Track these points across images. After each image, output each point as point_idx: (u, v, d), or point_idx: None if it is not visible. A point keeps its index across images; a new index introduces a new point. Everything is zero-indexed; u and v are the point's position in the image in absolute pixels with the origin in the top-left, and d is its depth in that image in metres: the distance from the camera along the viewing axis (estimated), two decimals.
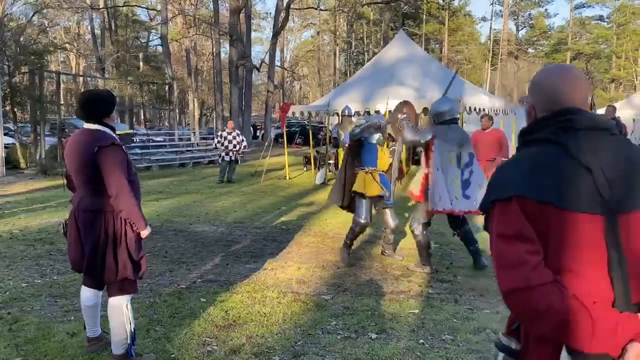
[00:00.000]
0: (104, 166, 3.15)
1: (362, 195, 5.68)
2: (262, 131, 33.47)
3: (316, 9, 40.34)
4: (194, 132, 24.33)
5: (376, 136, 5.71)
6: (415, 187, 5.61)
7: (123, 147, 3.34)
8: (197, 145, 22.36)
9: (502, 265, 1.42)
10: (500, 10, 55.03)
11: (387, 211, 5.90)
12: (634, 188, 1.40)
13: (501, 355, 1.56)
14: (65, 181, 3.69)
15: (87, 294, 3.48)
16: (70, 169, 3.37)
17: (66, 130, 18.70)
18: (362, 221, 5.72)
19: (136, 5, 32.35)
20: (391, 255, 6.06)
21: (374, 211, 5.96)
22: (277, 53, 38.24)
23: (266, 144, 15.73)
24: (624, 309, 1.38)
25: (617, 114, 10.17)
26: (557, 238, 1.40)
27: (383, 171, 5.78)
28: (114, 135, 3.35)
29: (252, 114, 34.05)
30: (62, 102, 24.60)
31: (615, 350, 1.37)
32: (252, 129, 33.82)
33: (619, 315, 1.38)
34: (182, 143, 21.91)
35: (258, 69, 31.23)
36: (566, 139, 1.44)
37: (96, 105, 3.32)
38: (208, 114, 46.59)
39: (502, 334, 1.59)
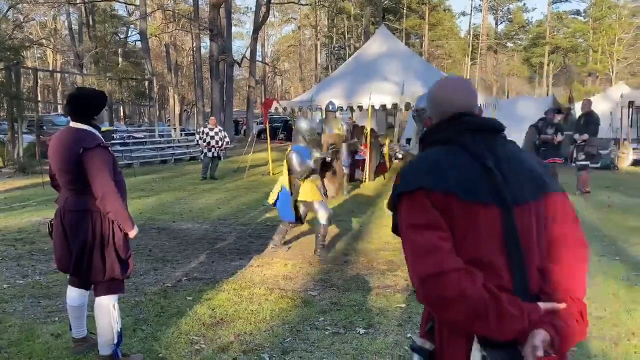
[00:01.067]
0: (90, 168, 3.11)
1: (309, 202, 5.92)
2: (244, 127, 33.32)
3: (297, 3, 40.17)
4: (175, 128, 24.13)
5: (316, 154, 5.92)
6: None
7: (109, 148, 3.31)
8: (178, 141, 22.17)
9: (415, 254, 1.47)
10: (480, 5, 55.46)
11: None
12: (524, 182, 1.52)
13: (416, 356, 1.60)
14: (47, 180, 3.63)
15: (73, 294, 3.43)
16: (54, 167, 3.31)
17: (44, 127, 18.39)
18: (330, 216, 5.99)
19: (114, 0, 31.83)
20: (322, 256, 5.90)
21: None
22: (259, 48, 38.06)
23: (249, 139, 15.66)
24: (523, 298, 1.44)
25: (594, 108, 10.30)
26: (461, 229, 1.46)
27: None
28: (100, 135, 3.31)
29: (233, 110, 33.85)
30: (39, 99, 24.19)
31: (523, 336, 1.40)
32: (234, 124, 33.65)
33: (523, 302, 1.43)
34: (162, 139, 21.70)
35: (239, 64, 31.03)
36: (463, 139, 1.56)
37: (86, 105, 3.28)
38: (188, 110, 46.20)
39: (416, 336, 1.64)
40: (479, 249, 1.46)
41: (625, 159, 15.22)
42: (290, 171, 5.89)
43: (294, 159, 5.78)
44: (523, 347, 1.40)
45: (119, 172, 3.33)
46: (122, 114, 42.00)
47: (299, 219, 6.05)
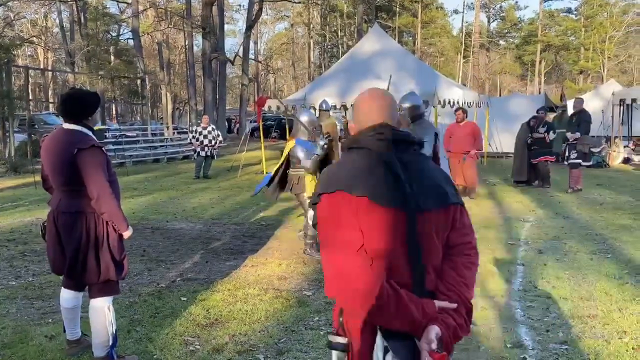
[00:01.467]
0: (84, 169, 3.10)
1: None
2: (237, 125, 33.24)
3: (290, 1, 40.08)
4: (167, 127, 24.04)
5: (320, 142, 5.80)
6: None
7: (103, 148, 3.30)
8: (171, 140, 22.09)
9: (327, 250, 1.64)
10: (472, 3, 55.55)
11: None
12: (428, 192, 1.68)
13: (334, 353, 1.75)
14: (39, 180, 3.62)
15: (67, 296, 3.42)
16: (47, 169, 3.30)
17: (36, 126, 18.28)
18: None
19: None
20: (312, 254, 5.90)
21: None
22: (251, 46, 37.93)
23: (242, 138, 15.64)
24: (420, 295, 1.62)
25: (585, 105, 10.36)
26: (371, 229, 1.60)
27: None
28: (94, 136, 3.30)
29: (226, 108, 33.77)
30: (31, 98, 24.01)
31: (419, 330, 1.57)
32: (226, 122, 33.58)
33: (421, 299, 1.60)
34: (155, 138, 21.61)
35: (232, 62, 30.93)
36: (378, 148, 1.71)
37: (79, 106, 3.27)
38: (181, 108, 46.03)
39: (330, 334, 1.76)
40: (384, 249, 1.61)
41: (617, 156, 15.32)
42: (288, 164, 5.89)
43: (300, 152, 5.75)
44: (420, 340, 1.56)
45: (113, 172, 3.32)
46: (114, 112, 41.81)
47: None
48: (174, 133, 24.22)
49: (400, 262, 1.63)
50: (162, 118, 34.51)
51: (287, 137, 15.87)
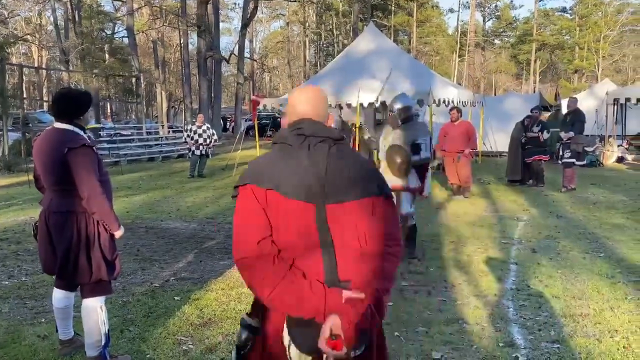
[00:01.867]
0: (75, 168, 3.09)
1: None
2: (233, 123, 33.20)
3: None
4: (163, 125, 23.98)
5: None
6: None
7: (94, 147, 3.29)
8: (166, 138, 22.05)
9: (236, 237, 1.74)
10: (467, 2, 55.63)
11: None
12: (345, 184, 1.74)
13: (244, 331, 1.83)
14: (33, 180, 3.61)
15: (59, 296, 3.41)
16: (39, 168, 3.29)
17: (30, 124, 18.20)
18: None
19: None
20: None
21: None
22: (247, 44, 37.89)
23: (237, 136, 15.62)
24: (332, 285, 1.69)
25: (579, 105, 10.39)
26: (281, 221, 1.70)
27: None
28: (85, 135, 3.29)
29: (222, 106, 33.70)
30: (25, 96, 23.89)
31: (320, 317, 1.65)
32: (222, 121, 33.53)
33: (326, 289, 1.67)
34: (150, 137, 21.55)
35: (227, 61, 30.90)
36: (297, 142, 1.77)
37: (71, 105, 3.26)
38: (176, 107, 45.90)
39: (246, 314, 1.87)
40: (295, 239, 1.70)
41: (610, 156, 15.38)
42: None
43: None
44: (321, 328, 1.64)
45: (104, 172, 3.31)
46: (109, 111, 41.66)
47: None
48: (169, 132, 24.17)
49: (311, 252, 1.70)
50: (157, 116, 34.41)
51: None
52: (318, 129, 1.82)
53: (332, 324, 1.63)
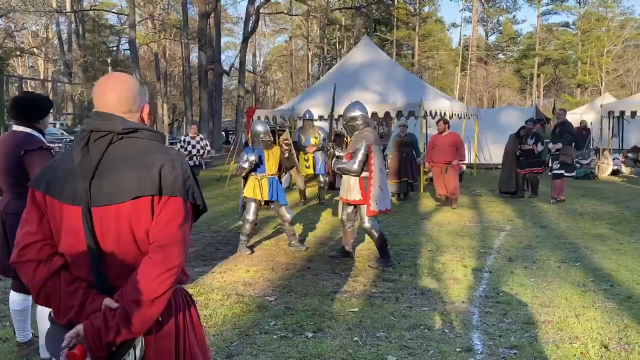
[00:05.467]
0: (32, 170, 3.14)
1: (252, 199, 6.38)
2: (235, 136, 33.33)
3: (286, 13, 40.42)
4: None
5: (251, 157, 6.31)
6: (350, 193, 5.71)
7: (52, 150, 3.34)
8: None
9: (14, 243, 1.70)
10: (470, 17, 55.91)
11: (282, 207, 6.43)
12: (118, 185, 1.61)
13: (49, 325, 1.79)
14: None
15: (16, 298, 3.44)
16: None
17: None
18: (251, 218, 6.35)
19: (102, 9, 31.91)
20: (297, 246, 6.53)
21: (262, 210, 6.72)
22: (250, 57, 38.20)
23: (231, 147, 15.69)
24: (101, 291, 1.63)
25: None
26: (56, 225, 1.66)
27: (272, 175, 6.42)
28: (43, 139, 3.35)
29: (225, 119, 33.90)
30: None
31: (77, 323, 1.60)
32: (224, 133, 33.69)
33: (89, 295, 1.62)
34: None
35: (227, 74, 31.13)
36: (77, 139, 1.69)
37: (30, 108, 3.32)
38: (180, 119, 46.20)
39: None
40: (68, 244, 1.65)
41: (606, 168, 15.34)
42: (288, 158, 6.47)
43: (242, 156, 6.39)
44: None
45: None
46: None
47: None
48: (169, 144, 24.32)
49: (81, 257, 1.64)
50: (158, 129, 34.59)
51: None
52: (101, 124, 1.66)
53: (76, 333, 1.56)
